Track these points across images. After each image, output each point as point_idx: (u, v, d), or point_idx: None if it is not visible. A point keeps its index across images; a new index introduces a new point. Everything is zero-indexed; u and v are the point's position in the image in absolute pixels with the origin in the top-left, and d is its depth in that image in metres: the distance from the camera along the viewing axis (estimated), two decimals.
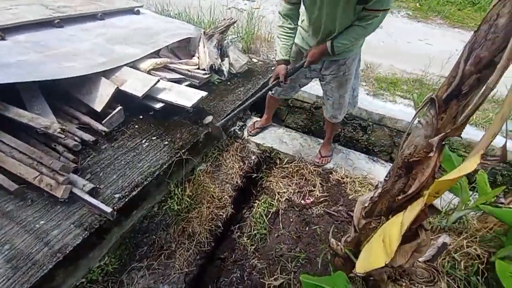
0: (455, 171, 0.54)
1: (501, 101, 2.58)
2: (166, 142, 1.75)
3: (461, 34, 4.00)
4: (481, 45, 0.54)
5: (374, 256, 0.71)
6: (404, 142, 0.77)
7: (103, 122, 1.68)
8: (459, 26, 4.44)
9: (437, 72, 2.95)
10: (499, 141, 2.04)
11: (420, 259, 1.08)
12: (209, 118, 1.68)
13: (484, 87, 0.54)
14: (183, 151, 1.70)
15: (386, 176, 0.84)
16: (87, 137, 1.55)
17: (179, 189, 1.72)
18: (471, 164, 0.51)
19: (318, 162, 2.07)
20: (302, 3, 1.37)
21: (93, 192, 1.32)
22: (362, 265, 0.76)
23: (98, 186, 1.38)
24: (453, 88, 0.60)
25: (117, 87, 1.73)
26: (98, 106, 1.68)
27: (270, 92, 2.06)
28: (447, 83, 0.62)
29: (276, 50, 1.58)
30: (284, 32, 1.47)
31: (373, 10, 1.20)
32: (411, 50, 3.55)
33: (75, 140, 1.49)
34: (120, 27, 2.35)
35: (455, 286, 1.16)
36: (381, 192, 0.86)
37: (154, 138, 1.77)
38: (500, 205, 1.10)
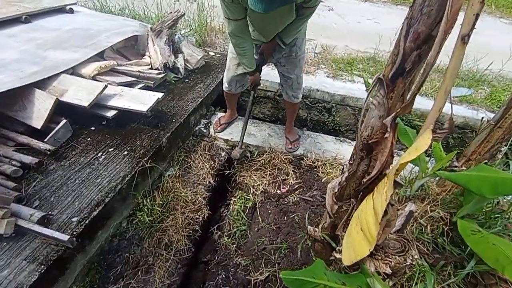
0: (412, 149, 0.55)
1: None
2: (126, 152, 1.64)
3: (404, 11, 4.26)
4: (418, 20, 0.54)
5: (357, 246, 0.72)
6: (362, 124, 0.78)
7: (46, 140, 1.50)
8: (401, 3, 4.71)
9: (387, 49, 3.10)
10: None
11: (391, 232, 1.13)
12: (237, 153, 1.93)
13: (425, 63, 0.54)
14: (145, 159, 1.60)
15: (350, 160, 0.85)
16: (28, 159, 1.38)
17: (148, 199, 1.64)
18: (424, 141, 0.52)
19: (290, 148, 2.10)
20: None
21: (44, 221, 1.18)
22: (348, 257, 0.76)
23: (50, 212, 1.24)
24: (397, 66, 0.60)
25: (57, 99, 1.56)
26: (37, 122, 1.49)
27: (225, 89, 2.04)
28: (391, 62, 0.62)
29: (241, 62, 1.67)
30: (243, 49, 1.57)
31: (311, 7, 1.37)
32: (362, 30, 3.69)
33: (14, 165, 1.31)
34: (52, 30, 2.10)
35: (425, 250, 1.25)
36: (347, 176, 0.87)
37: (111, 149, 1.65)
38: (455, 168, 1.18)
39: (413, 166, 1.60)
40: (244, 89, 2.13)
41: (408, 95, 0.64)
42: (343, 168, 0.99)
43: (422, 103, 2.46)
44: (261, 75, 1.81)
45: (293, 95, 1.92)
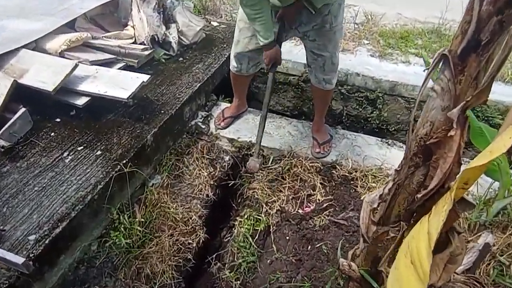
0: (485, 153, 0.54)
1: None
2: (99, 152, 1.69)
3: None
4: None
5: (405, 284, 0.71)
6: (417, 119, 0.78)
7: None
8: None
9: (458, 18, 3.04)
10: None
11: (457, 270, 1.11)
12: (256, 164, 1.99)
13: (508, 34, 0.54)
14: (124, 161, 1.65)
15: (398, 166, 0.84)
16: None
17: (126, 215, 1.68)
18: (503, 141, 0.51)
19: (318, 153, 2.10)
20: None
21: None
22: None
23: (1, 227, 1.30)
24: (469, 38, 0.59)
25: (15, 81, 1.63)
26: None
27: (232, 69, 2.07)
28: (461, 32, 0.61)
29: (255, 30, 1.68)
30: (258, 11, 1.60)
31: None
32: None
33: None
34: None
35: None
36: (392, 187, 0.86)
37: (81, 148, 1.71)
38: None
39: (492, 181, 1.56)
40: (258, 70, 2.15)
41: (484, 78, 0.63)
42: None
43: (506, 92, 2.40)
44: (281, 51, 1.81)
45: (325, 80, 1.93)
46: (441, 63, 0.69)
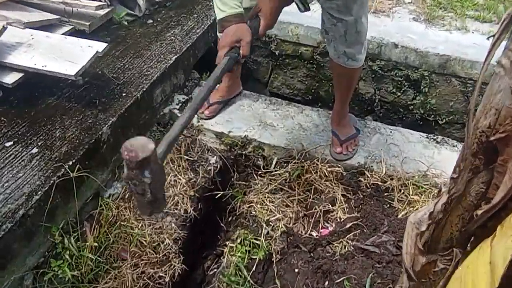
0: None
1: None
2: (35, 150, 1.69)
3: None
4: None
5: None
6: (477, 107, 0.77)
7: None
8: None
9: None
10: None
11: None
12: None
13: None
14: (70, 163, 1.65)
15: (454, 172, 0.83)
16: None
17: (73, 238, 1.68)
18: None
19: (340, 154, 2.12)
20: None
21: None
22: None
23: None
24: None
25: None
26: None
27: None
28: None
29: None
30: None
31: None
32: None
33: None
34: None
35: None
36: (447, 201, 0.85)
37: (10, 144, 1.70)
38: None
39: None
40: (256, 39, 2.14)
41: None
42: (440, 190, 0.98)
43: None
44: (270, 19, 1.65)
45: (348, 54, 1.92)
46: (511, 29, 0.68)
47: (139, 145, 0.97)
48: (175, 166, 2.08)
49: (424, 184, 2.02)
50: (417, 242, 0.93)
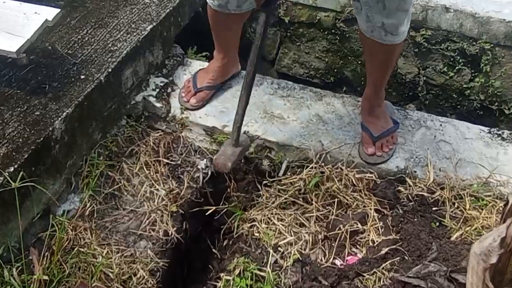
0: None
1: None
2: None
3: None
4: None
5: None
6: None
7: None
8: None
9: None
10: None
11: None
12: (227, 160, 1.99)
13: None
14: (11, 169, 1.65)
15: None
16: None
17: (15, 269, 1.67)
18: None
19: (372, 156, 2.13)
20: None
21: None
22: None
23: None
24: None
25: None
26: None
27: (212, 2, 2.09)
28: None
29: None
30: None
31: None
32: None
33: None
34: None
35: None
36: None
37: None
38: None
39: None
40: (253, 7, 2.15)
41: None
42: (507, 202, 0.99)
43: None
44: None
45: (388, 27, 1.91)
46: None
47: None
48: (151, 173, 2.10)
49: (486, 195, 2.02)
50: (485, 279, 0.93)
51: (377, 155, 2.12)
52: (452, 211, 1.99)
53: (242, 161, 2.22)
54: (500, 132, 2.27)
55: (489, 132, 2.26)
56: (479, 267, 0.95)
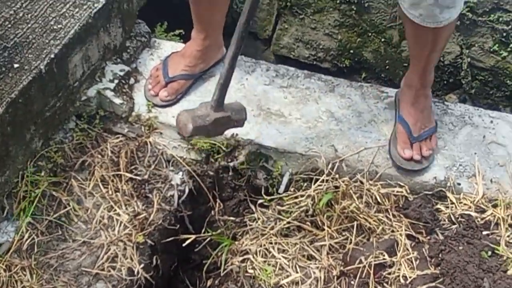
0: None
1: None
2: None
3: None
4: None
5: None
6: None
7: None
8: None
9: None
10: None
11: None
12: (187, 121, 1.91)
13: None
14: None
15: None
16: None
17: None
18: None
19: (409, 161, 2.13)
20: None
21: None
22: None
23: None
24: None
25: None
26: None
27: None
28: None
29: None
30: None
31: None
32: None
33: None
34: None
35: None
36: None
37: None
38: None
39: None
40: None
41: None
42: None
43: None
44: None
45: (440, 4, 1.92)
46: None
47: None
48: (110, 192, 2.09)
49: None
50: None
51: (414, 160, 2.13)
52: (508, 236, 1.99)
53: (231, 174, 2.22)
54: None
55: None
56: None
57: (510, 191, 2.08)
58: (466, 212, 2.05)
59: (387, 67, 3.04)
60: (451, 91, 2.89)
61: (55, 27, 2.13)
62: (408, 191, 2.11)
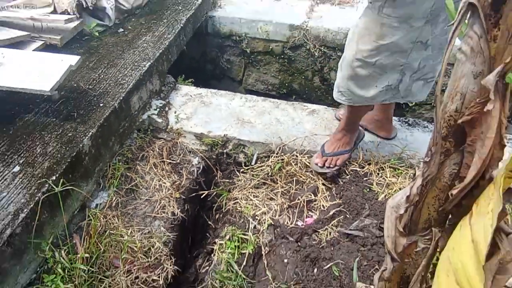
0: None
1: None
2: (17, 168, 1.66)
3: None
4: None
5: None
6: (444, 91, 0.78)
7: None
8: None
9: None
10: None
11: (509, 283, 1.14)
12: None
13: None
14: (54, 177, 1.63)
15: (426, 156, 0.85)
16: None
17: (63, 251, 1.66)
18: None
19: (316, 164, 2.05)
20: None
21: None
22: None
23: None
24: None
25: None
26: None
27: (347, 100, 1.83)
28: None
29: None
30: None
31: None
32: None
33: None
34: None
35: None
36: (422, 184, 0.87)
37: None
38: None
39: None
40: None
41: None
42: (415, 173, 0.99)
43: None
44: None
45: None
46: (467, 15, 0.70)
47: None
48: (159, 171, 2.08)
49: (400, 166, 2.06)
50: (397, 225, 0.95)
51: (318, 165, 2.05)
52: (377, 180, 2.03)
53: (225, 156, 2.21)
54: (407, 120, 2.33)
55: (399, 120, 2.33)
56: (392, 216, 0.97)
57: (376, 156, 2.10)
58: (354, 169, 2.07)
59: (306, 92, 3.04)
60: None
61: (121, 82, 2.11)
62: None
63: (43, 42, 2.16)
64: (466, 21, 0.71)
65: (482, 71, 0.70)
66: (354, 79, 1.72)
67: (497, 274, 0.89)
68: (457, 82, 0.75)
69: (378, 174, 2.04)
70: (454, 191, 0.82)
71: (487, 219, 0.68)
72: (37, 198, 1.55)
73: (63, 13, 2.29)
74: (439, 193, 0.89)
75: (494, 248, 0.88)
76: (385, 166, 2.05)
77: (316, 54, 2.80)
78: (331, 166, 2.01)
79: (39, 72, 1.83)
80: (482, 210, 0.72)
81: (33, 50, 2.06)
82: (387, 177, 2.01)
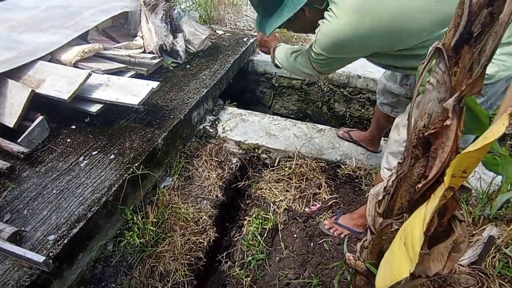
0: (481, 139, 0.55)
1: None
2: (112, 156, 1.72)
3: None
4: None
5: (396, 265, 0.72)
6: (415, 112, 0.78)
7: (19, 140, 1.62)
8: None
9: None
10: None
11: (463, 262, 1.11)
12: None
13: (499, 23, 0.54)
14: (136, 164, 1.68)
15: (401, 159, 0.85)
16: None
17: (139, 216, 1.70)
18: (497, 128, 0.52)
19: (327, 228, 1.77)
20: None
21: (16, 238, 1.27)
22: (382, 280, 0.76)
23: (22, 228, 1.33)
24: (462, 31, 0.60)
25: (33, 91, 1.68)
26: (10, 119, 1.62)
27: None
28: (453, 25, 0.62)
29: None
30: None
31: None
32: None
33: None
34: (27, 9, 2.28)
35: None
36: (396, 179, 0.87)
37: (95, 152, 1.74)
38: None
39: (494, 175, 1.55)
40: None
41: (477, 69, 0.64)
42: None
43: None
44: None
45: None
46: (435, 56, 0.70)
47: None
48: (208, 165, 2.10)
49: None
50: (376, 207, 0.94)
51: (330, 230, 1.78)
52: (365, 182, 1.99)
53: (256, 158, 2.21)
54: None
55: (384, 140, 2.23)
56: (373, 201, 0.97)
57: (366, 164, 2.05)
58: (349, 172, 2.03)
59: (316, 116, 3.03)
60: (342, 125, 2.85)
61: (186, 101, 2.14)
62: (326, 164, 2.08)
63: (135, 72, 2.24)
64: (434, 61, 0.73)
65: (444, 97, 0.70)
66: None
67: (452, 252, 0.88)
68: (426, 105, 0.75)
69: (366, 177, 2.00)
70: (420, 185, 0.81)
71: (434, 202, 0.68)
72: (124, 177, 1.60)
73: (150, 53, 2.38)
74: (409, 187, 0.88)
75: (450, 232, 0.88)
76: (371, 172, 2.01)
77: (325, 89, 2.81)
78: (334, 233, 1.74)
79: (131, 91, 1.90)
80: (435, 196, 0.72)
81: (128, 77, 2.14)
82: (372, 180, 1.97)
